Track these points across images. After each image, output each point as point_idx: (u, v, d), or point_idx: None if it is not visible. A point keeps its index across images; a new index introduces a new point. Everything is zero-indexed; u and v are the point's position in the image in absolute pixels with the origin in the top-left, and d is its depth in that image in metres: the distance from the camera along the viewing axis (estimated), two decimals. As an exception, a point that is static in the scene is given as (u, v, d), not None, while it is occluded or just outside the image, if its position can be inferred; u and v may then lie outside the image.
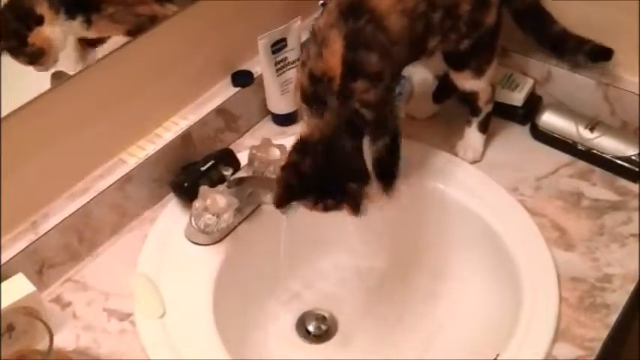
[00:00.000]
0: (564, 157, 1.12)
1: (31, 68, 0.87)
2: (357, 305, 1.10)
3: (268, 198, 0.99)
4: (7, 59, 0.83)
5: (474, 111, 1.11)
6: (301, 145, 0.87)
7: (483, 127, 1.12)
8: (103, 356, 0.88)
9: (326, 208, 0.88)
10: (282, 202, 0.87)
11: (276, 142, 1.05)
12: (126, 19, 0.94)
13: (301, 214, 0.97)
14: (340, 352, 1.06)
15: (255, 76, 1.14)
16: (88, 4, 0.89)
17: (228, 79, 1.14)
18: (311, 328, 1.08)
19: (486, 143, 1.13)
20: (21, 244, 0.91)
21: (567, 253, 0.99)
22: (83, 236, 0.98)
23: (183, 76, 1.07)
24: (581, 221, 1.03)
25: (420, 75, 1.21)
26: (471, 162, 1.11)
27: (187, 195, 1.01)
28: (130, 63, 0.97)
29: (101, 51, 0.94)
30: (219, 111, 1.11)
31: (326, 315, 1.09)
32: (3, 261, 0.89)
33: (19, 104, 0.86)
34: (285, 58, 1.13)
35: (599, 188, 1.08)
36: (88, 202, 0.96)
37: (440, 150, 1.12)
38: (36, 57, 0.86)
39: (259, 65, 1.13)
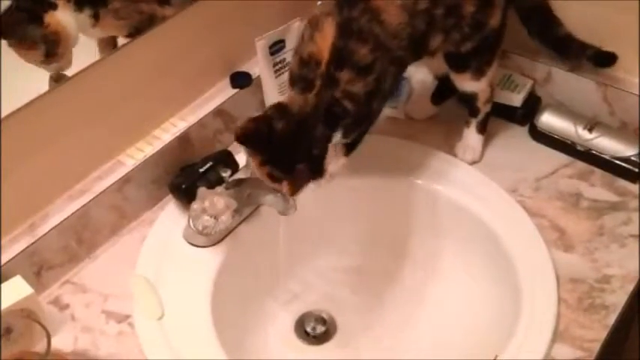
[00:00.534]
0: (564, 158, 1.12)
1: (30, 68, 0.86)
2: (357, 307, 1.10)
3: (267, 199, 0.99)
4: (8, 59, 0.83)
5: (473, 112, 1.11)
6: (280, 108, 0.87)
7: (482, 128, 1.12)
8: (101, 358, 0.88)
9: (269, 175, 0.87)
10: (245, 138, 0.86)
11: (274, 143, 1.05)
12: (130, 15, 0.95)
13: (300, 215, 0.97)
14: (339, 354, 1.06)
15: (254, 77, 1.14)
16: None
17: (226, 81, 1.14)
18: (310, 329, 1.08)
19: (485, 144, 1.13)
20: (19, 246, 0.91)
21: (567, 254, 0.99)
22: (82, 238, 0.98)
23: (181, 77, 1.07)
24: (580, 222, 1.03)
25: (419, 76, 1.21)
26: (470, 163, 1.11)
27: (186, 196, 1.01)
28: (129, 64, 0.97)
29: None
30: (218, 112, 1.11)
31: (325, 316, 1.09)
32: (1, 262, 0.89)
33: (18, 105, 0.85)
34: (284, 60, 1.13)
35: (598, 189, 1.08)
36: (86, 204, 0.96)
37: (439, 151, 1.12)
38: (52, 45, 0.86)
39: (258, 66, 1.13)
